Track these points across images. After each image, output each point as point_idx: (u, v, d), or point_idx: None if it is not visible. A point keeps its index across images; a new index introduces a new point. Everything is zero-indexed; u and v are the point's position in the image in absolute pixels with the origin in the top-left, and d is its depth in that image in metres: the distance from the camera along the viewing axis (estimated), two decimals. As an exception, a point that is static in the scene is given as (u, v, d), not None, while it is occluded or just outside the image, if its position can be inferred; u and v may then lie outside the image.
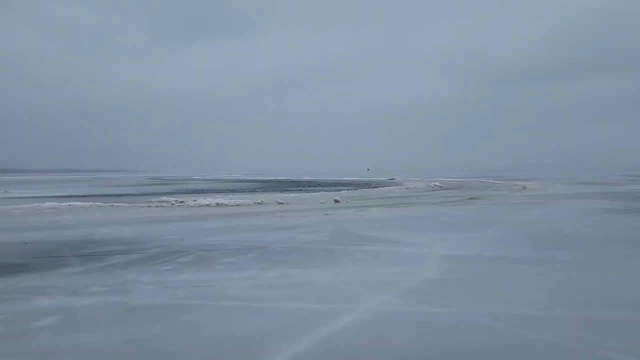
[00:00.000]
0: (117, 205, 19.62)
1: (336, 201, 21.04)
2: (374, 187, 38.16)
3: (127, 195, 31.80)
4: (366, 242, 9.26)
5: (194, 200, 21.17)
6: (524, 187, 32.78)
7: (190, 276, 6.46)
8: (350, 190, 33.55)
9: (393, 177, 67.44)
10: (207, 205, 19.86)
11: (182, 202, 21.01)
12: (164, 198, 22.72)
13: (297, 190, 37.25)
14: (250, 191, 35.73)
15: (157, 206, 19.91)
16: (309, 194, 29.56)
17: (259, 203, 20.67)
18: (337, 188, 38.63)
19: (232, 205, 19.62)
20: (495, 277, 6.23)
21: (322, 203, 20.75)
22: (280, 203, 20.86)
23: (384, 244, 8.99)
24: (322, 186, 44.43)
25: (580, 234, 10.20)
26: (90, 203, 20.05)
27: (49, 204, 19.36)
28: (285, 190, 36.22)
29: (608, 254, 8.00)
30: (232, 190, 36.97)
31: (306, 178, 75.20)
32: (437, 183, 40.06)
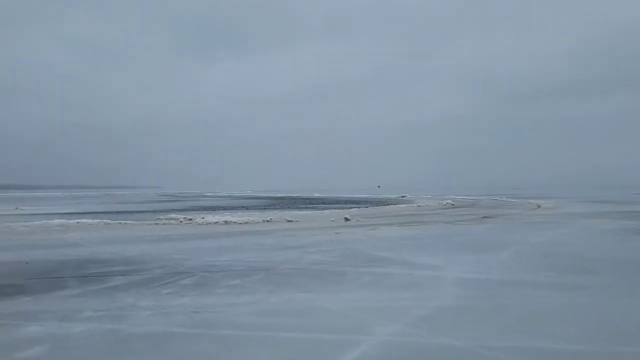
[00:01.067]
0: (125, 223, 19.43)
1: (346, 219, 20.67)
2: (385, 205, 37.71)
3: (136, 212, 31.72)
4: (377, 263, 8.88)
5: (203, 218, 20.95)
6: (538, 206, 32.13)
7: (191, 300, 6.13)
8: (361, 208, 33.17)
9: (404, 194, 66.95)
10: (215, 223, 19.60)
11: (191, 219, 20.79)
12: (173, 215, 22.53)
13: (307, 207, 36.92)
14: (260, 208, 35.48)
15: (165, 224, 19.69)
16: (318, 211, 29.21)
17: (267, 221, 20.38)
18: (348, 206, 38.25)
19: (241, 223, 19.33)
20: (515, 304, 5.81)
21: (332, 221, 20.38)
22: (289, 221, 20.53)
23: (395, 265, 8.61)
24: (332, 204, 44.07)
25: (602, 257, 9.71)
26: (99, 220, 19.89)
27: (57, 221, 19.23)
28: (295, 208, 35.91)
29: (635, 278, 7.54)
30: (242, 208, 36.76)
31: (317, 195, 74.97)
32: (449, 201, 39.51)
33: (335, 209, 33.19)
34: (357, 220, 20.83)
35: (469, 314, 5.40)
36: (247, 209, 34.98)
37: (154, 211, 31.62)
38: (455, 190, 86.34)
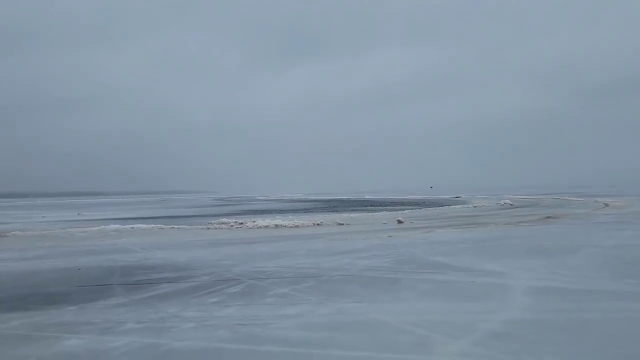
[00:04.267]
0: (178, 228, 19.63)
1: (399, 222, 19.95)
2: (439, 206, 36.52)
3: (189, 217, 32.26)
4: (435, 269, 8.23)
5: (253, 222, 20.85)
6: (606, 205, 30.02)
7: (236, 311, 5.77)
8: (414, 210, 32.23)
9: (458, 195, 64.94)
10: (266, 226, 19.42)
11: (242, 223, 20.74)
12: (224, 219, 22.61)
13: (358, 210, 36.33)
14: (310, 211, 35.24)
15: (216, 228, 19.74)
16: (370, 214, 28.59)
17: (318, 224, 19.99)
18: (400, 207, 37.34)
19: (291, 227, 19.05)
20: (599, 318, 5.05)
21: (385, 224, 19.74)
22: (340, 224, 20.06)
23: (455, 272, 7.93)
24: (384, 205, 43.26)
25: (692, 261, 8.60)
26: (153, 225, 20.23)
27: (113, 226, 19.70)
28: (347, 210, 35.41)
29: None
30: (293, 211, 36.66)
31: (368, 197, 74.17)
32: (507, 201, 37.75)
33: (387, 211, 32.44)
34: (411, 222, 20.07)
35: (547, 330, 4.70)
36: (297, 212, 34.83)
37: (207, 215, 32.04)
38: (512, 190, 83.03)
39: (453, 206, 35.53)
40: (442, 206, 36.54)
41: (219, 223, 21.36)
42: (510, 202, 35.96)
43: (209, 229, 19.64)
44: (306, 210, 36.93)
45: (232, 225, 20.39)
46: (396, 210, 33.08)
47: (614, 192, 56.87)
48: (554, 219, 19.77)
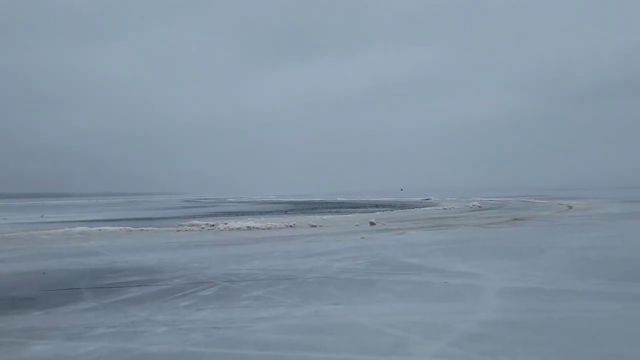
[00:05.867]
0: (147, 230, 19.20)
1: (372, 223, 20.06)
2: (409, 208, 36.91)
3: (159, 218, 31.65)
4: (409, 270, 8.28)
5: (225, 224, 20.61)
6: (570, 207, 30.95)
7: (210, 314, 5.65)
8: (385, 212, 32.47)
9: (428, 197, 65.83)
10: (238, 228, 19.22)
11: (213, 225, 20.47)
12: (195, 221, 22.27)
13: (330, 212, 36.37)
14: (283, 213, 35.09)
15: (186, 230, 19.40)
16: (343, 216, 28.64)
17: (291, 226, 19.90)
18: (372, 209, 37.59)
19: (264, 229, 18.90)
20: (572, 317, 5.16)
21: (357, 225, 19.80)
22: (313, 226, 20.02)
23: (429, 273, 7.99)
24: (356, 207, 43.46)
25: (654, 261, 8.91)
26: (121, 227, 19.74)
27: (80, 228, 19.12)
28: (319, 212, 35.40)
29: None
30: (265, 213, 36.42)
31: (340, 199, 74.40)
32: (475, 203, 38.43)
33: (359, 212, 32.59)
34: (383, 224, 20.19)
35: (524, 330, 4.77)
36: (270, 214, 34.62)
37: (177, 217, 31.51)
38: (480, 192, 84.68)
39: (424, 208, 35.97)
40: (413, 208, 36.95)
41: (189, 225, 21.01)
42: (479, 205, 36.62)
43: (179, 231, 19.28)
44: (279, 212, 36.75)
45: (203, 228, 20.09)
46: (368, 212, 33.27)
47: (578, 195, 58.65)
48: (521, 220, 20.22)
